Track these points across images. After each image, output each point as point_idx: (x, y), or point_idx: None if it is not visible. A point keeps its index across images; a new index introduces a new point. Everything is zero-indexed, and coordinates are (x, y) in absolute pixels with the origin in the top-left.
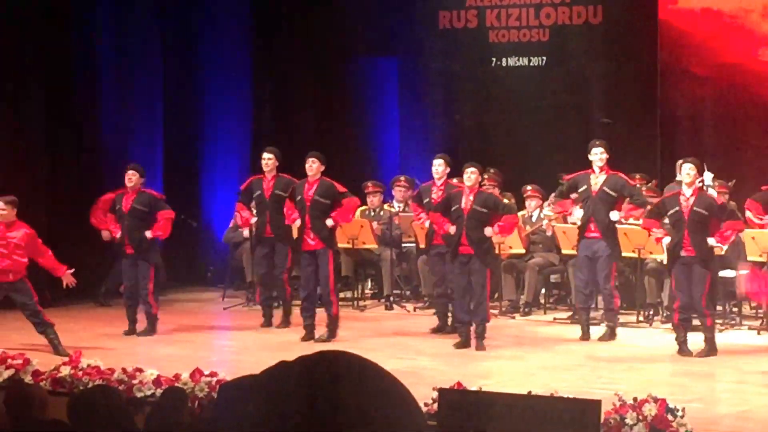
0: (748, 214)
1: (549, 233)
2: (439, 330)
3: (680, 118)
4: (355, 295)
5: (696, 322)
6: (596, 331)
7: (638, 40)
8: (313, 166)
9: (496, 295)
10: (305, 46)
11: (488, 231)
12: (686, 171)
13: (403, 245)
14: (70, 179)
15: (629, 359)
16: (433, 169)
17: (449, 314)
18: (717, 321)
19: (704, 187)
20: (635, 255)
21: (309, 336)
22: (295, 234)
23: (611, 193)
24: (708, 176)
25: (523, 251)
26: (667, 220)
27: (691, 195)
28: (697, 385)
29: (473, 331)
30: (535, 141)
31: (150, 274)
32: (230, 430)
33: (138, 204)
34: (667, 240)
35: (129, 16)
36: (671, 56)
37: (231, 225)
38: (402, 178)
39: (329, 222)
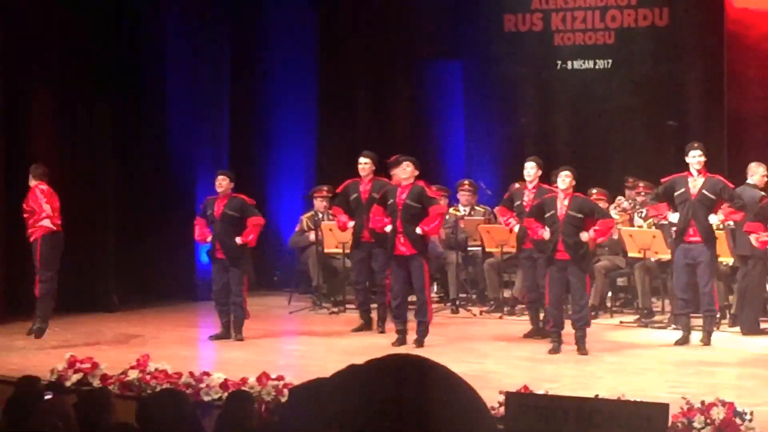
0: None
1: (615, 236)
2: (532, 335)
3: (747, 121)
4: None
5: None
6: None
7: (704, 42)
8: (407, 169)
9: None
10: (370, 50)
11: (584, 236)
12: (762, 173)
13: (469, 249)
14: (139, 185)
15: (697, 363)
16: (525, 171)
17: (540, 319)
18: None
19: None
20: (640, 255)
21: (401, 342)
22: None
23: (711, 196)
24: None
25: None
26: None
27: None
28: (765, 389)
29: (575, 336)
30: (601, 144)
31: (243, 280)
32: None
33: (229, 209)
34: None
35: (198, 24)
36: (738, 58)
37: (297, 229)
38: (467, 182)
39: (418, 230)
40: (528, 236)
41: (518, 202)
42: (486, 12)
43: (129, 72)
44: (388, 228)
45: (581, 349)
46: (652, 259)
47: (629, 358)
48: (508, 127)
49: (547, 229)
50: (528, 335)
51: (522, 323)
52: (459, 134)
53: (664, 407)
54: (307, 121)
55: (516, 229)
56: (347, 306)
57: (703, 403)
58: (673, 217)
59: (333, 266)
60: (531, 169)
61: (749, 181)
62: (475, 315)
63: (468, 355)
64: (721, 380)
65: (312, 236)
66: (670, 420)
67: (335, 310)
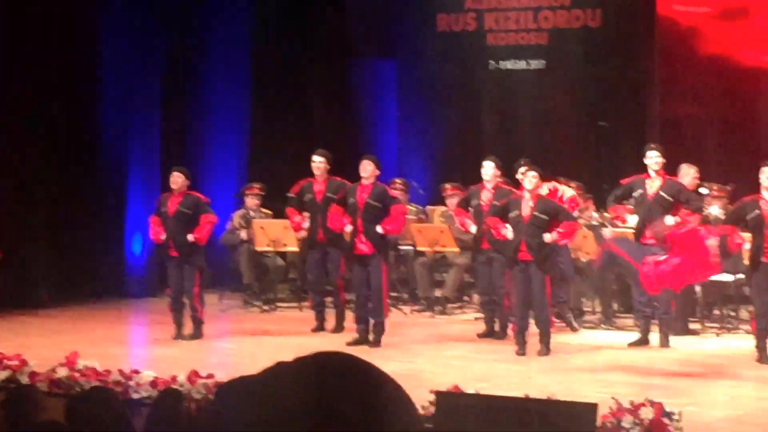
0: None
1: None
2: (486, 335)
3: (679, 123)
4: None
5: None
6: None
7: (636, 43)
8: (368, 168)
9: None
10: (304, 49)
11: (548, 237)
12: (765, 175)
13: (400, 248)
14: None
15: (627, 364)
16: (483, 171)
17: (495, 320)
18: (713, 325)
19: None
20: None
21: (360, 341)
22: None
23: (668, 198)
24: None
25: None
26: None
27: None
28: (693, 389)
29: (539, 335)
30: (533, 144)
31: (196, 277)
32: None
33: (183, 206)
34: (747, 246)
35: (131, 22)
36: (669, 60)
37: (228, 227)
38: (399, 180)
39: (379, 229)
40: (485, 237)
41: (475, 202)
42: (419, 11)
43: (61, 69)
44: (348, 228)
45: (544, 349)
46: (583, 260)
47: (559, 359)
48: (440, 127)
49: (510, 228)
50: (482, 335)
51: (453, 323)
52: (392, 133)
53: (593, 407)
54: (239, 118)
55: (472, 230)
56: (278, 304)
57: (632, 403)
58: (632, 219)
59: (264, 264)
60: (489, 169)
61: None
62: (406, 314)
63: (399, 354)
64: (650, 380)
65: (243, 234)
66: (599, 420)
67: (266, 308)
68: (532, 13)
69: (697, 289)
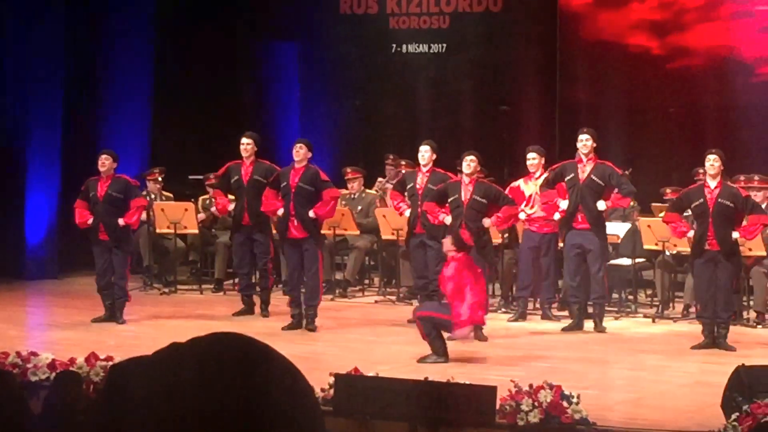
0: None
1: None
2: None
3: (579, 105)
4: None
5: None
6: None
7: (537, 27)
8: (300, 151)
9: (394, 282)
10: (207, 30)
11: (486, 222)
12: (710, 162)
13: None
14: None
15: (527, 347)
16: (420, 155)
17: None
18: (612, 308)
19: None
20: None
21: (295, 326)
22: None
23: (599, 182)
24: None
25: None
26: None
27: (716, 187)
28: (592, 373)
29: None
30: (435, 127)
31: (126, 262)
32: (121, 412)
33: (113, 190)
34: (691, 234)
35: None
36: (570, 47)
37: None
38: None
39: (311, 214)
40: (419, 221)
41: (410, 185)
42: None
43: None
44: (280, 211)
45: (480, 336)
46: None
47: (459, 343)
48: (342, 110)
49: (446, 215)
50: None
51: (353, 306)
52: (294, 115)
53: (492, 390)
54: (141, 102)
55: (407, 213)
56: (178, 287)
57: (531, 386)
58: (564, 203)
59: (164, 247)
60: (426, 153)
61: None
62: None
63: (299, 336)
64: (549, 364)
65: (144, 216)
66: (498, 402)
67: (166, 290)
68: None
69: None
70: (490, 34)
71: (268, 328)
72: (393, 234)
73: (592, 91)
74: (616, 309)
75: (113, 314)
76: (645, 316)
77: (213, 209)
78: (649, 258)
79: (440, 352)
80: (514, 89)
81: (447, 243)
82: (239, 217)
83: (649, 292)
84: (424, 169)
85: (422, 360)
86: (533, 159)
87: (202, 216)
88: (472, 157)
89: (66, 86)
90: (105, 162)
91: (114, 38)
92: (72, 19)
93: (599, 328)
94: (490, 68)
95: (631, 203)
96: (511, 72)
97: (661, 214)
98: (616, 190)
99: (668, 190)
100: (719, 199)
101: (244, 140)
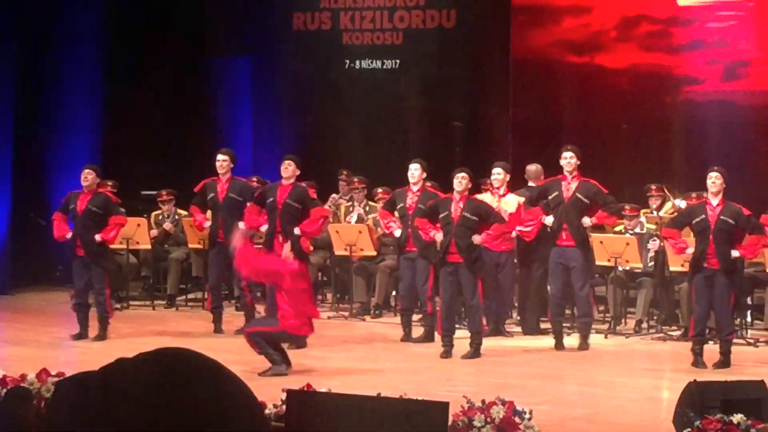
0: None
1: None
2: (404, 340)
3: (533, 122)
4: (204, 296)
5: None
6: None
7: (491, 44)
8: (288, 168)
9: (347, 297)
10: (159, 46)
11: (477, 239)
12: (712, 180)
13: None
14: None
15: (479, 362)
16: (409, 173)
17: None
18: (566, 324)
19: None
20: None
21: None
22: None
23: (584, 199)
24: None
25: (374, 254)
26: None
27: (718, 204)
28: (545, 388)
29: (470, 340)
30: (388, 144)
31: (105, 278)
32: (67, 427)
33: (93, 205)
34: (690, 250)
35: None
36: (524, 60)
37: None
38: (254, 179)
39: (297, 231)
40: (410, 240)
41: (401, 205)
42: (275, 10)
43: None
44: (263, 228)
45: (474, 352)
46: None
47: (412, 357)
48: (295, 125)
49: (437, 231)
50: (402, 340)
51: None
52: (247, 131)
53: (444, 406)
54: (92, 116)
55: (396, 233)
56: (131, 303)
57: (483, 401)
58: (549, 220)
59: (117, 262)
60: (415, 171)
61: (530, 183)
62: (260, 312)
63: (252, 351)
64: (501, 379)
65: None
66: (451, 418)
67: (118, 306)
68: (388, 13)
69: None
70: (444, 51)
71: (222, 344)
72: (346, 250)
73: (545, 107)
74: (568, 325)
75: (87, 331)
76: (597, 332)
77: (165, 225)
78: (602, 274)
79: (279, 362)
80: (467, 105)
81: (286, 250)
82: (215, 234)
83: (601, 308)
84: (414, 188)
85: (263, 374)
86: (498, 174)
87: (154, 232)
88: (464, 174)
89: (16, 103)
90: (88, 176)
91: (64, 52)
92: (22, 36)
93: (583, 346)
94: (443, 85)
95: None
96: (464, 88)
97: (619, 227)
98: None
99: (627, 207)
100: (721, 216)
101: (219, 156)
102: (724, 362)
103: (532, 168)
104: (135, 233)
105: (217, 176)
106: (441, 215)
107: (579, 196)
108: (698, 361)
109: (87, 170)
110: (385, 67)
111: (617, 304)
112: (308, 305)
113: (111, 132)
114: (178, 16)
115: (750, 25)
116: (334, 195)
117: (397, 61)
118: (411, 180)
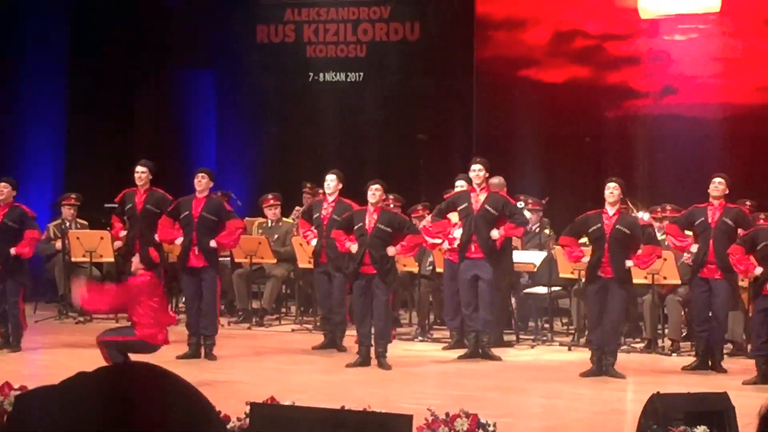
0: (669, 238)
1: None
2: (323, 347)
3: (495, 135)
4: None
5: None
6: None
7: (455, 56)
8: (202, 181)
9: (310, 310)
10: (123, 57)
11: (391, 251)
12: (610, 190)
13: (219, 259)
14: None
15: (442, 374)
16: (325, 184)
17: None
18: (528, 337)
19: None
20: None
21: (191, 355)
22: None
23: (493, 211)
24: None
25: None
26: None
27: (614, 214)
28: (509, 401)
29: (375, 351)
30: (352, 156)
31: (19, 293)
32: None
33: (9, 219)
34: (586, 259)
35: None
36: (487, 72)
37: (43, 237)
38: (218, 192)
39: (213, 243)
40: (324, 251)
41: (317, 215)
42: (239, 22)
43: None
44: (178, 240)
45: (382, 364)
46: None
47: (376, 370)
48: (259, 138)
49: (353, 243)
50: (319, 347)
51: (270, 335)
52: (210, 143)
53: (407, 418)
54: (56, 128)
55: (313, 243)
56: (94, 316)
57: (447, 414)
58: (458, 232)
59: (80, 275)
60: (331, 182)
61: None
62: (223, 326)
63: (215, 365)
64: (466, 392)
65: (58, 244)
66: (415, 431)
67: (81, 319)
68: (351, 26)
69: (513, 301)
70: (407, 64)
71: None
72: (310, 262)
73: (508, 120)
74: (532, 337)
75: (8, 342)
76: (561, 344)
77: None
78: (565, 286)
79: None
80: (430, 118)
81: (135, 261)
82: (131, 245)
83: (565, 320)
84: (330, 199)
85: None
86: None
87: (118, 244)
88: (377, 186)
89: None
90: (3, 190)
91: (27, 63)
92: None
93: (494, 357)
94: (407, 97)
95: (546, 231)
96: (428, 101)
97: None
98: (508, 219)
99: None
100: (617, 226)
101: (138, 168)
102: (595, 372)
103: (495, 180)
104: (98, 246)
105: (135, 187)
106: (356, 227)
107: (488, 207)
108: (595, 369)
109: (3, 183)
110: (349, 79)
111: (581, 316)
112: (163, 314)
113: (73, 146)
114: (142, 28)
115: (710, 37)
116: (298, 207)
117: (361, 73)
118: (327, 190)
